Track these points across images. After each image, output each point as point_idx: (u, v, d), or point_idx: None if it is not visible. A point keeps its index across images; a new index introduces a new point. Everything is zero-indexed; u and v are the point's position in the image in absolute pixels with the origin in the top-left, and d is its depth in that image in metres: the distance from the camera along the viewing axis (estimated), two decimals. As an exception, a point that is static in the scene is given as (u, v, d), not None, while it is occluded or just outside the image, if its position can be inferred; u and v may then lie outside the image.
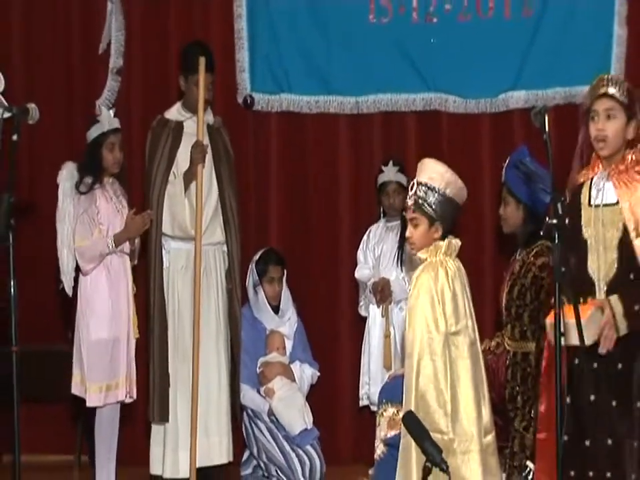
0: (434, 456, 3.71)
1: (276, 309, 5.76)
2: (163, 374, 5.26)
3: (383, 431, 4.28)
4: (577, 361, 3.80)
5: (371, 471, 5.12)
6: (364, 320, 5.91)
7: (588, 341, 3.64)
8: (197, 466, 5.14)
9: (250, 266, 5.74)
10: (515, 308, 5.09)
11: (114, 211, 5.15)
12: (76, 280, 5.08)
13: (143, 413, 5.58)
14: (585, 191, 3.93)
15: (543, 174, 4.87)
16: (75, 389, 5.08)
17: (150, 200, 5.34)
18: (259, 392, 5.62)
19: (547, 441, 3.86)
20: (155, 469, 5.39)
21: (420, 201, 4.01)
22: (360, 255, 5.97)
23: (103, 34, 6.17)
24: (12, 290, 3.73)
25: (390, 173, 5.87)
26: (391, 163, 5.89)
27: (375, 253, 5.92)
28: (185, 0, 6.28)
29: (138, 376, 5.18)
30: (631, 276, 3.78)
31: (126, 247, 5.13)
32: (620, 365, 3.78)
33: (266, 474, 5.59)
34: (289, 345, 5.76)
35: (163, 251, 5.36)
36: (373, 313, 5.84)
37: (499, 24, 6.02)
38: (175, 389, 5.29)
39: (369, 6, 6.08)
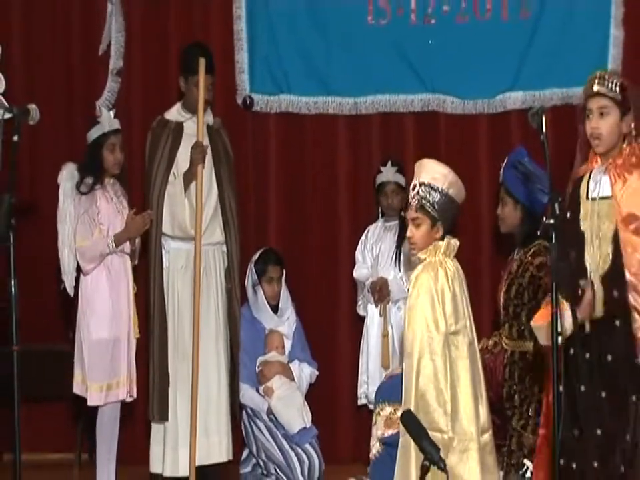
0: (432, 454, 3.72)
1: (275, 309, 5.77)
2: (162, 373, 5.27)
3: (380, 430, 4.29)
4: (572, 352, 3.84)
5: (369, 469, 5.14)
6: (362, 319, 5.93)
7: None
8: (197, 464, 5.16)
9: (249, 266, 5.76)
10: (513, 307, 5.11)
11: (114, 212, 5.17)
12: (77, 280, 5.10)
13: (143, 412, 5.59)
14: (583, 184, 3.97)
15: (540, 174, 4.89)
16: (76, 389, 5.09)
17: (150, 200, 5.35)
18: (258, 391, 5.64)
19: (546, 436, 3.90)
20: (155, 468, 5.41)
21: (423, 201, 4.04)
22: (358, 254, 5.99)
23: (103, 35, 6.18)
24: (12, 290, 3.74)
25: (388, 173, 5.88)
26: (389, 163, 5.90)
27: (373, 253, 5.94)
28: (185, 1, 6.29)
29: (138, 375, 5.19)
30: (625, 269, 3.81)
31: (126, 247, 5.15)
32: (610, 357, 3.82)
33: (265, 472, 5.61)
34: (287, 344, 5.78)
35: (163, 251, 5.37)
36: (371, 313, 5.85)
37: (496, 25, 6.04)
38: (174, 388, 5.30)
39: (367, 7, 6.10)
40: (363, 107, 6.18)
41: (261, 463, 5.61)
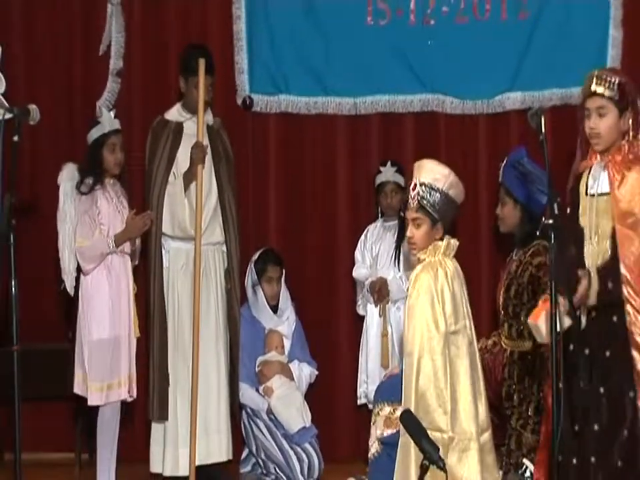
0: (431, 454, 3.72)
1: (274, 309, 5.78)
2: (162, 373, 5.28)
3: (379, 430, 4.29)
4: (571, 347, 3.85)
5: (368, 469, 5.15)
6: (362, 319, 5.94)
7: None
8: (197, 464, 5.16)
9: (249, 266, 5.77)
10: (512, 307, 5.12)
11: (115, 212, 5.17)
12: (77, 280, 5.11)
13: (143, 411, 5.59)
14: (583, 180, 3.98)
15: (540, 174, 4.90)
16: (77, 388, 5.09)
17: (150, 200, 5.36)
18: (257, 391, 5.64)
19: (547, 433, 3.91)
20: (155, 467, 5.42)
21: (423, 202, 4.05)
22: (357, 254, 6.00)
23: (103, 35, 6.19)
24: (12, 290, 3.75)
25: (388, 174, 5.89)
26: (389, 163, 5.91)
27: (372, 253, 5.94)
28: (185, 2, 6.29)
29: (138, 375, 5.19)
30: (621, 265, 3.82)
31: (127, 247, 5.16)
32: (607, 353, 3.84)
33: (265, 471, 5.62)
34: (287, 344, 5.79)
35: (163, 251, 5.38)
36: (370, 312, 5.86)
37: (495, 26, 6.04)
38: (174, 387, 5.31)
39: (366, 8, 6.10)
40: (362, 107, 6.19)
41: (261, 463, 5.62)
